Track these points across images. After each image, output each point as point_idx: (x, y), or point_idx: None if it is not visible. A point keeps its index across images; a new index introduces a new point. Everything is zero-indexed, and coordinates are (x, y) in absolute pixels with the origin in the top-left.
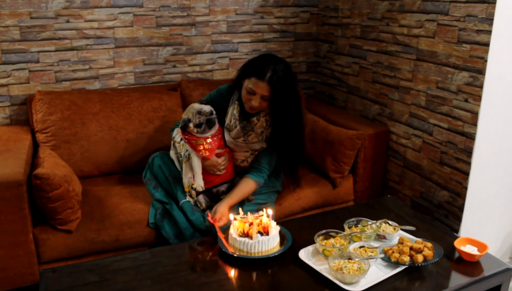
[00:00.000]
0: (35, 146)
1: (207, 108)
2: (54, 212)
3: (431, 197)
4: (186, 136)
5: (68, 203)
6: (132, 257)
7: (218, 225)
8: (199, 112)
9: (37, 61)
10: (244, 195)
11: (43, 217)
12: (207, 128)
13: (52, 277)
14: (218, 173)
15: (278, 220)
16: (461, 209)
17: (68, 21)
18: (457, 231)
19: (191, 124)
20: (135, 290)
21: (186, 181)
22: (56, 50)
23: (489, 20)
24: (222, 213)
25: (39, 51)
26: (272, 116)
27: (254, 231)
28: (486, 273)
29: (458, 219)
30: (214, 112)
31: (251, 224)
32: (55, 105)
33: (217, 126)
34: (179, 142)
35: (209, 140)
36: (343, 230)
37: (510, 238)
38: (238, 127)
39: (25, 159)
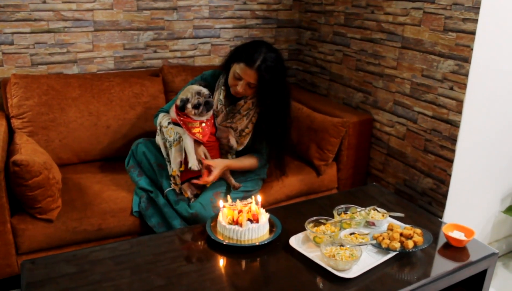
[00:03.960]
0: (10, 132)
1: (206, 91)
2: (33, 201)
3: (415, 185)
4: (181, 118)
5: (48, 191)
6: (111, 247)
7: (206, 163)
8: (199, 93)
9: (11, 43)
10: (245, 166)
11: (22, 205)
12: (204, 110)
13: (30, 268)
14: (195, 168)
15: (263, 207)
16: (445, 195)
17: (44, 2)
18: (440, 217)
19: (189, 105)
20: (113, 280)
21: (174, 165)
22: (31, 32)
23: (476, 8)
24: (217, 163)
25: (13, 33)
26: (258, 105)
27: (244, 219)
28: (473, 258)
29: (442, 205)
30: (211, 96)
31: (240, 211)
32: (31, 90)
33: (212, 111)
34: (166, 127)
35: (203, 124)
36: (331, 217)
37: (490, 223)
38: (224, 112)
39: (0, 145)
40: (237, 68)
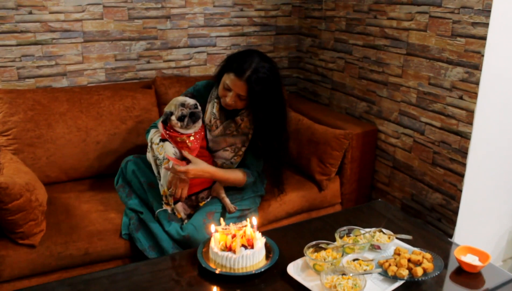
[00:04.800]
0: None
1: (191, 101)
2: (14, 225)
3: (423, 200)
4: (168, 132)
5: (30, 214)
6: (92, 278)
7: (178, 167)
8: (182, 105)
9: None
10: (229, 178)
11: (2, 230)
12: (190, 122)
13: None
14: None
15: (262, 226)
16: (455, 212)
17: (30, 13)
18: (451, 235)
19: (173, 117)
20: None
21: (165, 184)
22: (18, 45)
23: (486, 12)
24: (197, 161)
25: None
26: (253, 119)
27: (237, 245)
28: (489, 285)
29: (452, 222)
30: (198, 106)
31: (234, 236)
32: (17, 105)
33: (200, 122)
34: (157, 144)
35: (191, 138)
36: (334, 239)
37: (504, 240)
38: (220, 127)
39: None
40: (227, 78)
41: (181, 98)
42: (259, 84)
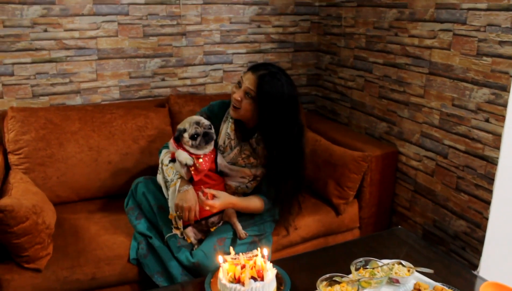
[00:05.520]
0: (8, 168)
1: (206, 121)
2: (19, 249)
3: (446, 226)
4: (178, 149)
5: (36, 237)
6: None
7: (205, 200)
8: (197, 123)
9: (12, 74)
10: (250, 207)
11: (7, 253)
12: (203, 142)
13: None
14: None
15: (276, 251)
16: (481, 241)
17: (46, 30)
18: (476, 265)
19: (186, 135)
20: None
21: (172, 207)
22: (32, 62)
23: None
24: (221, 194)
25: (13, 63)
26: (263, 138)
27: (246, 276)
28: None
29: (477, 252)
30: (212, 128)
31: (243, 266)
32: (29, 124)
33: (212, 145)
34: (167, 165)
35: (200, 160)
36: (349, 270)
37: None
38: (235, 150)
39: None
40: (243, 76)
41: (197, 117)
42: (269, 84)
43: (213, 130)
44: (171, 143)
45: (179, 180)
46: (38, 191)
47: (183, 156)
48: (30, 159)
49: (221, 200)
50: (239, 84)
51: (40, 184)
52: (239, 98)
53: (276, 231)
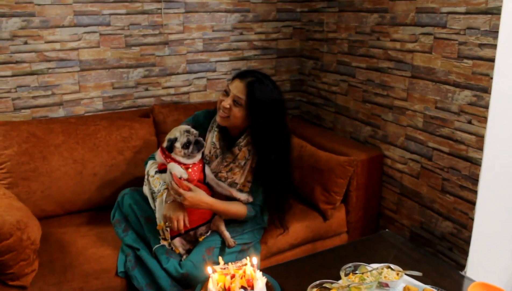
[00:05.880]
0: None
1: (194, 129)
2: (4, 266)
3: (433, 228)
4: (168, 159)
5: (21, 254)
6: None
7: (177, 187)
8: (188, 131)
9: None
10: (230, 211)
11: None
12: (195, 150)
13: None
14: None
15: (265, 258)
16: (467, 241)
17: (26, 43)
18: (463, 266)
19: (178, 144)
20: None
21: (159, 218)
22: (13, 75)
23: (493, 32)
24: (193, 197)
25: None
26: (254, 144)
27: (236, 286)
28: None
29: (464, 252)
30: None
31: (233, 276)
32: (11, 138)
33: (201, 154)
34: (153, 176)
35: (189, 170)
36: (338, 275)
37: None
38: (218, 158)
39: None
40: (229, 85)
41: (185, 127)
42: (258, 90)
43: (202, 139)
44: (159, 154)
45: (166, 191)
46: (22, 206)
47: (177, 169)
48: (13, 173)
49: (194, 194)
50: (226, 92)
51: (24, 198)
52: (228, 106)
53: (264, 238)
